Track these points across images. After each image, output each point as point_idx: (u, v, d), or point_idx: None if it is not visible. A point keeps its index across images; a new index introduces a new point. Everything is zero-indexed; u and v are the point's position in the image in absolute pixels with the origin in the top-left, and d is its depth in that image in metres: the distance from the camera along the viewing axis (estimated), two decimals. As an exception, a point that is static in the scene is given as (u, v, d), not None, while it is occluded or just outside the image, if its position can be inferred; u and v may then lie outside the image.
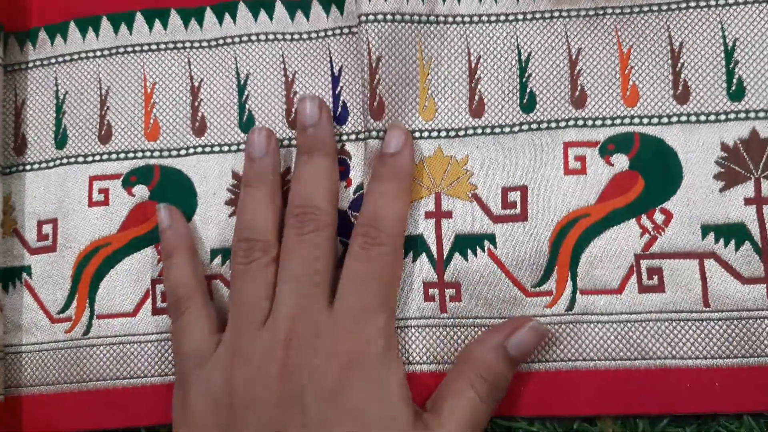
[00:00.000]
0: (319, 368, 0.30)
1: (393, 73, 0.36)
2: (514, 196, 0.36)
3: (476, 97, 0.36)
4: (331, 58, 0.39)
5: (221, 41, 0.39)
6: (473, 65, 0.37)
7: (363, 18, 0.36)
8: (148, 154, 0.39)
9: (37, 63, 0.40)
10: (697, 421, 0.33)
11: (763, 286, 0.34)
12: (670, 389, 0.33)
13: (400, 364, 0.32)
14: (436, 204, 0.35)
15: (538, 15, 0.37)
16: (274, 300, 0.32)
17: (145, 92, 0.39)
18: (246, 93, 0.39)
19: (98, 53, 0.40)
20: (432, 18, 0.36)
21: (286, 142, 0.38)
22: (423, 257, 0.35)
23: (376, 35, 0.36)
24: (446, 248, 0.35)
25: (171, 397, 0.34)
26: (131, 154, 0.39)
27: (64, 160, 0.39)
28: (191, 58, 0.39)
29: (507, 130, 0.36)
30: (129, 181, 0.38)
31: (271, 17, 0.39)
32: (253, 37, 0.39)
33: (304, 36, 0.39)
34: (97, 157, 0.39)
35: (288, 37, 0.39)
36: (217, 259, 0.37)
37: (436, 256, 0.35)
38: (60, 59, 0.40)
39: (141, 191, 0.38)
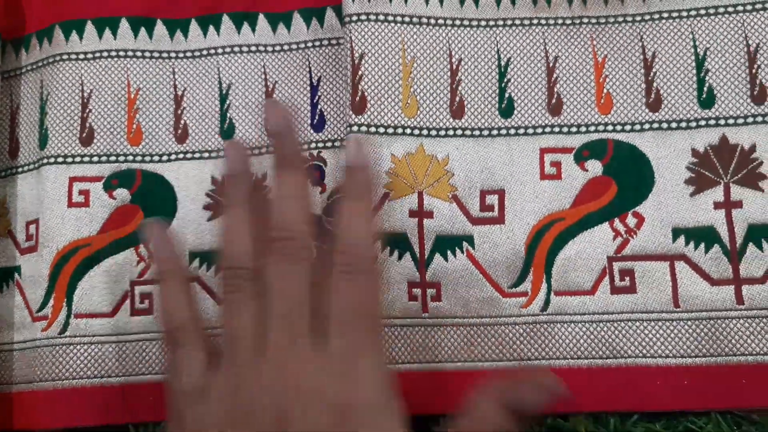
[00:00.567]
0: (308, 419, 0.28)
1: (375, 69, 0.37)
2: (492, 199, 0.37)
3: (457, 99, 0.37)
4: (310, 68, 0.40)
5: (205, 52, 0.40)
6: (454, 67, 0.38)
7: (347, 19, 0.37)
8: (130, 158, 0.39)
9: (29, 68, 0.41)
10: (666, 417, 0.34)
11: (731, 288, 0.35)
12: (640, 387, 0.34)
13: (397, 411, 0.29)
14: (418, 203, 0.36)
15: (517, 21, 0.38)
16: (263, 333, 0.31)
17: (128, 97, 0.40)
18: (228, 102, 0.40)
19: (81, 56, 0.40)
20: (415, 19, 0.38)
21: (264, 150, 0.39)
22: (407, 256, 0.36)
23: (359, 34, 0.37)
24: (428, 248, 0.36)
25: (149, 396, 0.35)
26: (113, 158, 0.39)
27: (44, 160, 0.39)
28: (176, 67, 0.40)
29: (486, 133, 0.37)
30: (111, 184, 0.39)
31: (253, 29, 0.40)
32: (236, 49, 0.40)
33: (285, 47, 0.40)
34: (78, 159, 0.39)
35: (269, 48, 0.40)
36: (196, 262, 0.38)
37: (418, 256, 0.36)
38: (45, 62, 0.41)
39: (122, 194, 0.39)
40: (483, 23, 0.38)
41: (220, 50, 0.40)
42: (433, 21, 0.38)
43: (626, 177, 0.36)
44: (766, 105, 0.36)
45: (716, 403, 0.34)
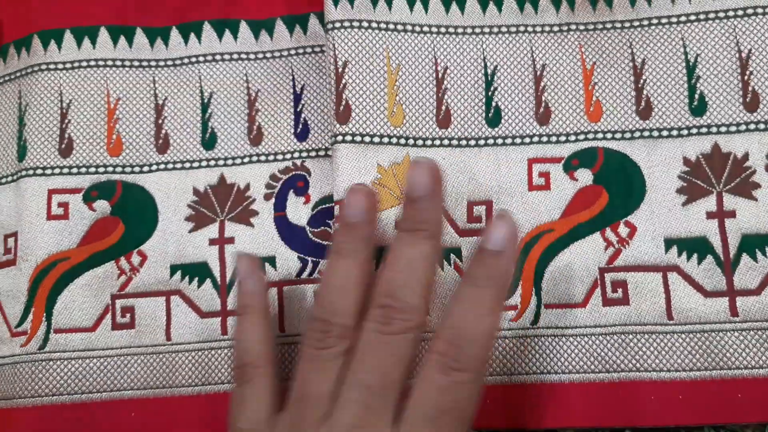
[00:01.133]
0: None
1: (359, 78, 0.36)
2: (480, 210, 0.36)
3: (443, 108, 0.37)
4: (293, 76, 0.39)
5: (186, 60, 0.40)
6: (440, 75, 0.37)
7: (330, 26, 0.36)
8: (110, 169, 0.39)
9: (7, 78, 0.41)
10: (661, 433, 0.34)
11: (725, 300, 0.34)
12: (634, 402, 0.34)
13: None
14: None
15: (504, 29, 0.37)
16: (338, 400, 0.29)
17: (108, 107, 0.39)
18: (209, 111, 0.39)
19: (60, 66, 0.40)
20: (399, 26, 0.37)
21: (246, 159, 0.38)
22: None
23: (342, 41, 0.36)
24: None
25: (131, 412, 0.34)
26: (93, 169, 0.39)
27: (23, 173, 0.39)
28: (156, 76, 0.40)
29: (473, 143, 0.37)
30: (90, 195, 0.38)
31: (235, 37, 0.40)
32: (218, 57, 0.40)
33: (268, 55, 0.40)
34: (57, 170, 0.39)
35: (252, 56, 0.40)
36: (176, 275, 0.37)
37: None
38: (23, 72, 0.40)
39: (102, 206, 0.38)
40: (469, 30, 0.37)
41: (201, 58, 0.40)
42: (418, 28, 0.37)
43: (617, 186, 0.36)
44: (759, 112, 0.36)
45: (711, 418, 0.33)
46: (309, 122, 0.38)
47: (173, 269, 0.37)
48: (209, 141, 0.39)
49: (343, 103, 0.36)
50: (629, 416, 0.34)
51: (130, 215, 0.38)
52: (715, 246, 0.35)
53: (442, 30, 0.37)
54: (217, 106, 0.39)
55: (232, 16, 0.40)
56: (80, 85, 0.39)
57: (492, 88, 0.37)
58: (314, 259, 0.37)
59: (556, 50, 0.37)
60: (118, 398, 0.36)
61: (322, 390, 0.29)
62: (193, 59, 0.40)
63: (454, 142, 0.37)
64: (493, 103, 0.37)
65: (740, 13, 0.37)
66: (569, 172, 0.36)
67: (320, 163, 0.38)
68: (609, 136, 0.36)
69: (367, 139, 0.35)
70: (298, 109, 0.39)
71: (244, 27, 0.40)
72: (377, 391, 0.28)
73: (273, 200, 0.38)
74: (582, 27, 0.37)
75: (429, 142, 0.36)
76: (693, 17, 0.37)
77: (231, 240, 0.37)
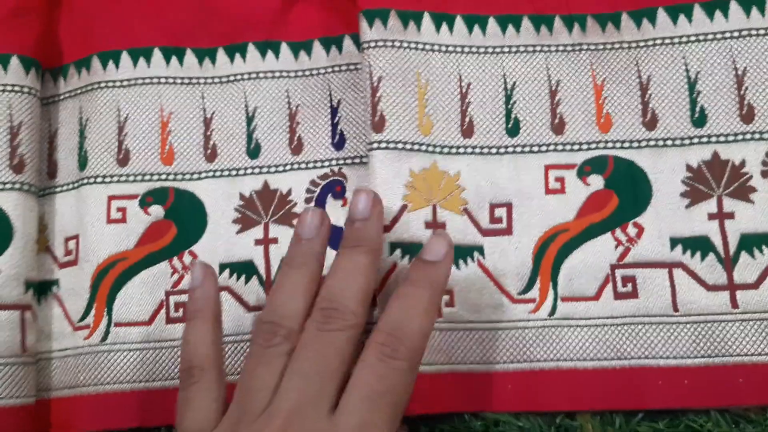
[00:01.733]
0: None
1: (393, 91, 0.39)
2: (501, 212, 0.39)
3: (467, 120, 0.40)
4: (330, 92, 0.42)
5: (232, 78, 0.43)
6: (464, 91, 0.40)
7: (365, 45, 0.40)
8: (163, 177, 0.42)
9: (67, 95, 0.44)
10: (669, 416, 0.36)
11: (726, 293, 0.37)
12: (643, 387, 0.36)
13: None
14: (433, 215, 0.38)
15: (522, 48, 0.41)
16: (278, 390, 0.31)
17: (161, 121, 0.43)
18: (254, 124, 0.42)
19: (117, 83, 0.43)
20: (428, 46, 0.40)
21: (288, 167, 0.42)
22: None
23: (377, 58, 0.39)
24: None
25: None
26: (147, 177, 0.42)
27: (84, 181, 0.42)
28: (205, 92, 0.43)
29: (494, 151, 0.40)
30: (145, 201, 0.41)
31: (277, 56, 0.43)
32: (261, 74, 0.43)
33: (306, 73, 0.43)
34: (116, 179, 0.42)
35: (292, 74, 0.43)
36: (225, 273, 0.40)
37: None
38: (84, 89, 0.43)
39: (156, 211, 0.41)
40: (490, 50, 0.41)
41: (246, 76, 0.43)
42: (444, 48, 0.40)
43: (626, 190, 0.39)
44: (754, 123, 0.39)
45: (715, 401, 0.36)
46: (345, 133, 0.42)
47: (222, 267, 0.41)
48: (254, 150, 0.42)
49: (378, 114, 0.39)
50: (639, 400, 0.36)
51: (182, 218, 0.41)
52: (716, 244, 0.38)
53: (466, 50, 0.41)
54: (261, 119, 0.42)
55: (275, 38, 0.43)
56: (136, 101, 0.43)
57: (511, 102, 0.40)
58: None
59: (570, 68, 0.41)
60: (173, 387, 0.39)
61: (265, 383, 0.31)
62: (239, 77, 0.43)
63: (477, 150, 0.40)
64: (513, 115, 0.40)
65: (736, 34, 0.40)
66: (582, 178, 0.39)
67: (356, 170, 0.41)
68: (618, 145, 0.40)
69: (400, 146, 0.38)
70: (335, 121, 0.42)
71: (284, 48, 0.43)
72: (314, 380, 0.30)
73: (313, 203, 0.41)
74: (593, 47, 0.41)
75: (454, 150, 0.40)
76: (693, 38, 0.40)
77: (275, 240, 0.41)
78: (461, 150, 0.40)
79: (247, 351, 0.38)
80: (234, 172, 0.42)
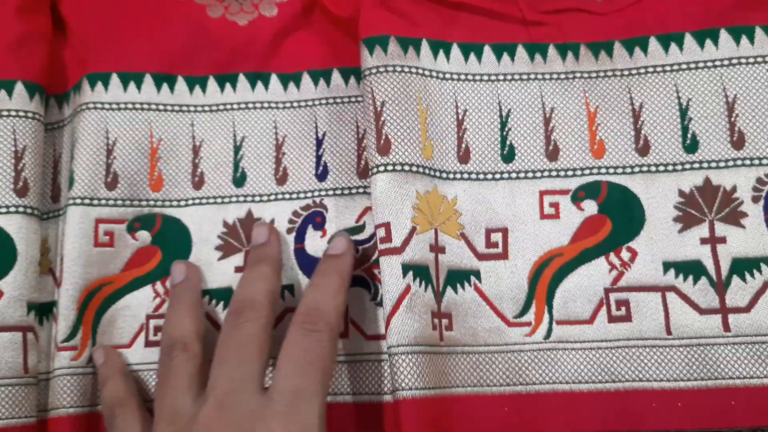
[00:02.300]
0: None
1: (397, 115, 0.39)
2: (496, 237, 0.40)
3: (463, 146, 0.41)
4: (316, 124, 0.43)
5: (222, 107, 0.44)
6: (460, 117, 0.41)
7: (366, 72, 0.40)
8: (152, 203, 0.43)
9: (68, 120, 0.45)
10: (662, 438, 0.37)
11: (719, 317, 0.38)
12: (637, 409, 0.37)
13: None
14: (435, 238, 0.39)
15: (516, 76, 0.42)
16: (209, 383, 0.34)
17: (151, 147, 0.43)
18: (241, 153, 0.43)
19: (107, 105, 0.43)
20: (427, 72, 0.41)
21: (273, 197, 0.42)
22: (429, 288, 0.38)
23: (379, 83, 0.40)
24: (441, 281, 0.39)
25: None
26: (136, 202, 0.42)
27: (70, 201, 0.42)
28: (194, 120, 0.44)
29: (489, 177, 0.41)
30: (133, 226, 0.42)
31: (266, 88, 0.44)
32: (250, 105, 0.44)
33: (294, 104, 0.44)
34: (103, 201, 0.42)
35: (281, 105, 0.44)
36: (205, 298, 0.41)
37: (436, 288, 0.38)
38: (75, 111, 0.44)
39: (143, 236, 0.42)
40: (485, 78, 0.42)
41: (235, 106, 0.44)
42: (441, 75, 0.41)
43: (619, 215, 0.40)
44: (745, 149, 0.40)
45: (707, 423, 0.37)
46: (329, 164, 0.42)
47: (204, 293, 0.41)
48: (240, 179, 0.43)
49: (383, 137, 0.39)
50: (634, 422, 0.37)
51: (168, 244, 0.42)
52: (709, 268, 0.39)
53: (462, 77, 0.42)
54: (248, 149, 0.43)
55: (265, 70, 0.44)
56: (125, 125, 0.43)
57: (506, 129, 0.41)
58: None
59: (563, 95, 0.42)
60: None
61: (180, 387, 0.35)
62: (228, 106, 0.44)
63: (473, 175, 0.41)
64: (508, 142, 0.41)
65: (726, 62, 0.41)
66: (576, 203, 0.40)
67: (336, 201, 0.42)
68: (612, 171, 0.40)
69: (406, 168, 0.39)
70: (320, 153, 0.43)
71: (274, 79, 0.44)
72: (237, 362, 0.34)
73: (294, 234, 0.41)
74: (586, 75, 0.42)
75: (452, 175, 0.40)
76: (684, 66, 0.41)
77: None
78: (458, 175, 0.40)
79: None
80: (219, 200, 0.43)
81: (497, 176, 0.41)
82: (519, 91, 0.42)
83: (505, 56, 0.42)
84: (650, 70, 0.41)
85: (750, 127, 0.40)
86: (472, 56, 0.42)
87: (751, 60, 0.41)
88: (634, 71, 0.42)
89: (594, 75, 0.42)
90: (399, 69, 0.40)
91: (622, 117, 0.41)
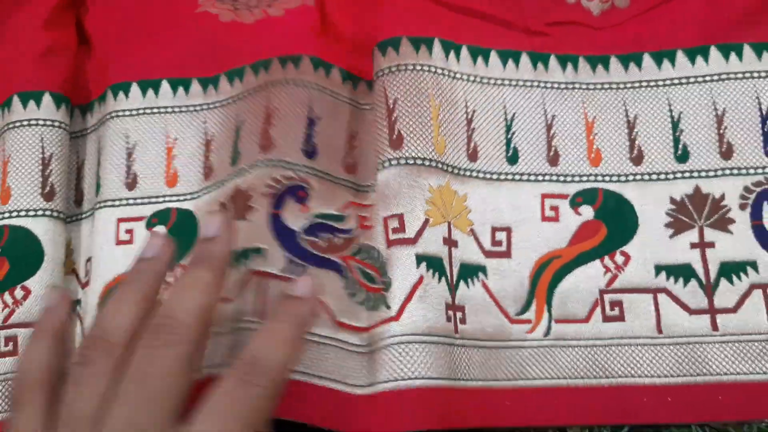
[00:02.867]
0: None
1: (409, 110, 0.41)
2: (501, 236, 0.42)
3: (472, 144, 0.43)
4: (310, 105, 0.43)
5: (230, 100, 0.45)
6: (469, 117, 0.43)
7: (380, 74, 0.42)
8: (168, 198, 0.44)
9: (92, 129, 0.46)
10: (653, 431, 0.39)
11: (707, 317, 0.40)
12: (629, 403, 0.39)
13: None
14: (448, 232, 0.40)
15: (521, 83, 0.44)
16: (105, 419, 0.28)
17: (167, 147, 0.45)
18: (240, 135, 0.43)
19: (127, 113, 0.45)
20: (439, 70, 0.43)
21: (256, 165, 0.41)
22: (443, 280, 0.39)
23: (392, 82, 0.41)
24: (455, 274, 0.40)
25: None
26: (153, 199, 0.44)
27: (98, 205, 0.44)
28: (207, 117, 0.45)
29: (495, 177, 0.42)
30: (151, 222, 0.43)
31: (267, 71, 0.44)
32: (252, 91, 0.44)
33: (290, 82, 0.43)
34: (124, 202, 0.44)
35: (277, 83, 0.43)
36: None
37: (450, 280, 0.39)
38: (100, 121, 0.46)
39: (160, 231, 0.43)
40: (492, 81, 0.44)
41: (240, 96, 0.45)
42: (452, 74, 0.43)
43: (614, 221, 0.42)
44: (733, 160, 0.42)
45: (696, 417, 0.38)
46: (318, 147, 0.42)
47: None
48: (233, 158, 0.43)
49: (396, 132, 0.40)
50: (626, 415, 0.38)
51: (181, 236, 0.41)
52: (698, 271, 0.41)
53: (471, 78, 0.43)
54: (245, 132, 0.43)
55: (269, 57, 0.44)
56: (144, 129, 0.45)
57: (511, 132, 0.43)
58: (300, 262, 0.40)
59: (564, 104, 0.43)
60: None
61: (86, 409, 0.28)
62: (235, 98, 0.45)
63: (481, 174, 0.42)
64: (512, 145, 0.43)
65: (716, 78, 0.43)
66: (574, 208, 0.42)
67: (320, 183, 0.41)
68: (607, 178, 0.42)
69: (419, 161, 0.40)
70: (310, 133, 0.42)
71: (275, 63, 0.44)
72: (142, 407, 0.28)
73: (273, 200, 0.40)
74: (584, 86, 0.44)
75: (462, 172, 0.42)
76: (676, 81, 0.43)
77: None
78: (468, 173, 0.42)
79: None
80: (220, 184, 0.43)
81: (502, 177, 0.42)
82: (523, 96, 0.44)
83: (510, 62, 0.44)
84: (644, 84, 0.44)
85: (738, 139, 0.42)
86: (480, 59, 0.44)
87: (740, 75, 0.43)
88: (629, 85, 0.44)
89: (592, 87, 0.44)
90: (411, 67, 0.42)
91: (618, 128, 0.43)
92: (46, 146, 0.44)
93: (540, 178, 0.43)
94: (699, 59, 0.44)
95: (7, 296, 0.41)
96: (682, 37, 0.44)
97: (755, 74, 0.43)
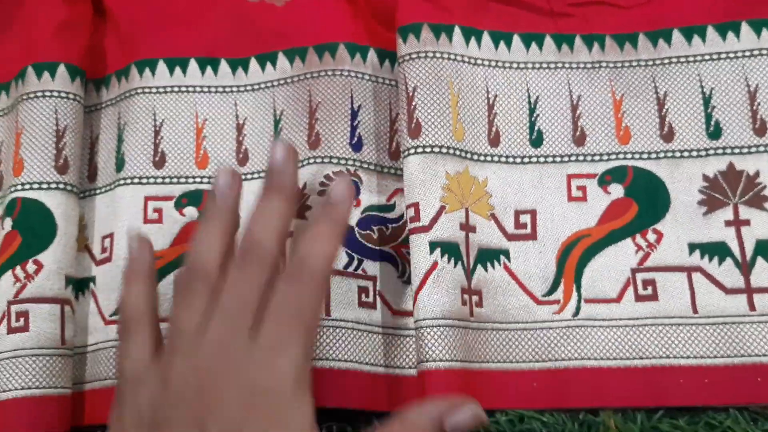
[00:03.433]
0: (226, 400, 0.30)
1: (428, 99, 0.41)
2: (525, 218, 0.41)
3: (493, 129, 0.42)
4: (352, 95, 0.44)
5: (263, 85, 0.45)
6: (491, 102, 0.42)
7: (400, 60, 0.42)
8: (198, 180, 0.44)
9: (108, 103, 0.46)
10: (689, 413, 0.38)
11: (744, 296, 0.39)
12: (664, 385, 0.38)
13: (308, 403, 0.31)
14: (465, 218, 0.40)
15: (544, 65, 0.43)
16: (202, 329, 0.32)
17: (196, 127, 0.45)
18: (280, 126, 0.44)
19: (154, 90, 0.45)
20: (459, 57, 0.42)
21: (305, 162, 0.42)
22: (459, 265, 0.38)
23: (411, 69, 0.41)
24: (472, 259, 0.39)
25: None
26: (183, 180, 0.44)
27: (120, 181, 0.43)
28: (237, 99, 0.45)
29: (518, 160, 0.42)
30: (181, 203, 0.43)
31: (303, 61, 0.45)
32: (288, 80, 0.45)
33: (329, 73, 0.44)
34: (152, 180, 0.44)
35: (315, 74, 0.44)
36: None
37: (466, 265, 0.39)
38: (122, 96, 0.46)
39: (191, 212, 0.43)
40: (515, 65, 0.43)
41: (275, 83, 0.45)
42: (473, 60, 0.43)
43: (645, 199, 0.41)
44: (767, 136, 0.41)
45: (734, 399, 0.37)
46: (363, 138, 0.43)
47: None
48: None
49: (414, 121, 0.40)
50: (660, 397, 0.37)
51: None
52: (734, 250, 0.39)
53: (492, 63, 0.43)
54: (286, 122, 0.44)
55: (303, 45, 0.45)
56: (172, 107, 0.45)
57: (535, 115, 0.43)
58: (359, 257, 0.41)
59: (590, 84, 0.43)
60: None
61: (192, 322, 0.32)
62: (269, 84, 0.45)
63: (503, 159, 0.42)
64: (536, 127, 0.42)
65: (747, 53, 0.42)
66: (603, 187, 0.41)
67: (369, 176, 0.42)
68: (637, 156, 0.42)
69: (436, 149, 0.40)
70: (354, 124, 0.43)
71: (311, 52, 0.45)
72: (236, 313, 0.32)
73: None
74: (612, 64, 0.43)
75: (482, 158, 0.41)
76: (707, 57, 0.43)
77: None
78: (488, 158, 0.42)
79: None
80: (263, 174, 0.43)
81: (526, 160, 0.42)
82: (547, 78, 0.43)
83: (534, 45, 0.44)
84: (674, 60, 0.43)
85: (772, 115, 0.41)
86: (502, 44, 0.43)
87: (772, 51, 0.42)
88: (658, 61, 0.43)
89: (619, 65, 0.43)
90: (431, 55, 0.42)
91: (647, 105, 0.42)
92: (60, 118, 0.43)
93: (566, 159, 0.42)
94: (730, 35, 0.43)
95: (18, 270, 0.41)
96: (712, 13, 0.43)
97: (788, 50, 0.42)
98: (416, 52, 0.42)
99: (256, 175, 0.44)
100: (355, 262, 0.41)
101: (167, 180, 0.44)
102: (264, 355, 0.31)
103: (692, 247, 0.40)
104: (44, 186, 0.42)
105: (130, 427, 0.32)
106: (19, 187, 0.42)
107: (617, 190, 0.41)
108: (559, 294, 0.40)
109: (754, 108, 0.41)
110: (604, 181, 0.41)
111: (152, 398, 0.32)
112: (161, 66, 0.46)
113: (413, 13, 0.43)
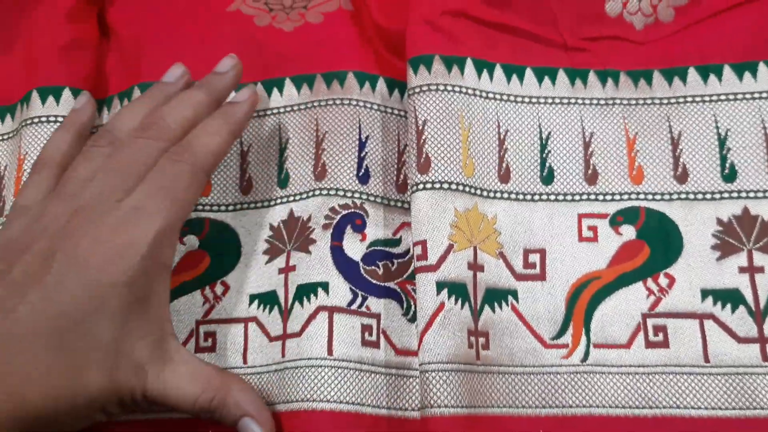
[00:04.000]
0: (80, 242, 0.33)
1: (438, 133, 0.39)
2: (534, 258, 0.40)
3: (504, 165, 0.41)
4: (360, 126, 0.42)
5: (268, 112, 0.44)
6: (502, 137, 0.41)
7: (410, 92, 0.41)
8: (199, 208, 0.42)
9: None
10: (700, 467, 0.37)
11: (757, 346, 0.38)
12: (674, 436, 0.37)
13: (163, 278, 0.34)
14: (473, 256, 0.39)
15: (557, 100, 0.42)
16: (89, 181, 0.35)
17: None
18: (285, 155, 0.43)
19: None
20: (470, 90, 0.41)
21: (311, 193, 0.41)
22: (466, 306, 0.37)
23: (422, 102, 0.40)
24: (479, 299, 0.38)
25: None
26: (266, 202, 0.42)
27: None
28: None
29: (528, 198, 0.41)
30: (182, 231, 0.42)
31: (311, 88, 0.44)
32: (296, 107, 0.43)
33: (338, 102, 0.43)
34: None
35: (323, 102, 0.43)
36: (253, 304, 0.40)
37: (473, 306, 0.38)
38: None
39: (191, 241, 0.41)
40: (527, 100, 0.42)
41: (282, 109, 0.44)
42: (484, 94, 0.42)
43: (657, 241, 0.40)
44: (784, 181, 0.40)
45: (747, 453, 0.36)
46: (370, 169, 0.42)
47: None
48: (284, 180, 0.42)
49: (424, 155, 0.39)
50: (670, 449, 0.37)
51: (216, 248, 0.41)
52: (747, 297, 0.38)
53: (504, 97, 0.42)
54: (293, 150, 0.43)
55: (310, 72, 0.44)
56: None
57: (546, 151, 0.42)
58: (363, 294, 0.39)
59: (603, 120, 0.42)
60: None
61: (81, 174, 0.35)
62: (275, 110, 0.44)
63: (513, 195, 0.41)
64: (547, 164, 0.41)
65: (765, 95, 0.41)
66: (614, 227, 0.40)
67: (375, 208, 0.41)
68: (650, 197, 0.41)
69: (445, 185, 0.39)
70: (362, 155, 0.42)
71: (319, 79, 0.44)
72: (117, 176, 0.35)
73: (331, 230, 0.40)
74: (625, 101, 0.42)
75: (492, 194, 0.40)
76: (723, 97, 0.42)
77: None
78: (498, 194, 0.41)
79: (269, 380, 0.38)
80: (266, 203, 0.42)
81: (536, 197, 0.41)
82: (559, 114, 0.42)
83: (546, 80, 0.43)
84: (689, 99, 0.42)
85: (789, 159, 0.40)
86: (515, 77, 0.42)
87: (790, 93, 0.41)
88: (673, 100, 0.42)
89: (633, 102, 0.42)
90: (442, 88, 0.41)
91: (661, 144, 0.41)
92: None
93: (577, 197, 0.41)
94: (747, 75, 0.42)
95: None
96: (729, 52, 0.42)
97: (806, 92, 0.41)
98: (427, 84, 0.41)
99: (258, 204, 0.42)
100: (359, 299, 0.39)
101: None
102: (126, 213, 0.34)
103: (705, 294, 0.39)
104: None
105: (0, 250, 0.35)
106: None
107: (629, 232, 0.40)
108: (567, 337, 0.39)
109: (771, 151, 0.41)
110: (616, 221, 0.40)
111: (24, 227, 0.35)
112: None
113: (424, 44, 0.42)
